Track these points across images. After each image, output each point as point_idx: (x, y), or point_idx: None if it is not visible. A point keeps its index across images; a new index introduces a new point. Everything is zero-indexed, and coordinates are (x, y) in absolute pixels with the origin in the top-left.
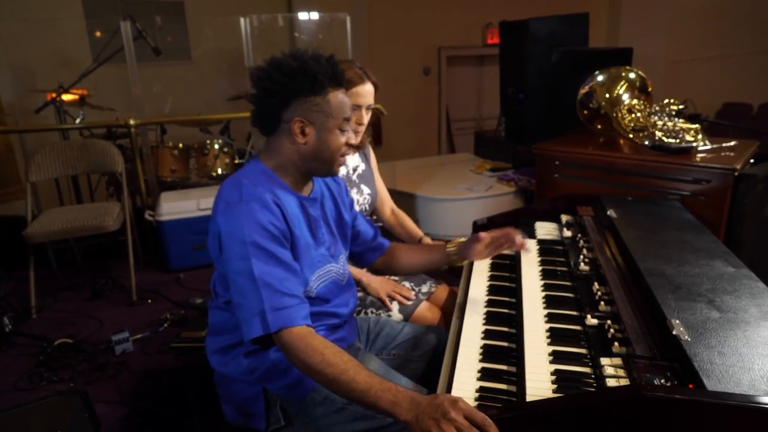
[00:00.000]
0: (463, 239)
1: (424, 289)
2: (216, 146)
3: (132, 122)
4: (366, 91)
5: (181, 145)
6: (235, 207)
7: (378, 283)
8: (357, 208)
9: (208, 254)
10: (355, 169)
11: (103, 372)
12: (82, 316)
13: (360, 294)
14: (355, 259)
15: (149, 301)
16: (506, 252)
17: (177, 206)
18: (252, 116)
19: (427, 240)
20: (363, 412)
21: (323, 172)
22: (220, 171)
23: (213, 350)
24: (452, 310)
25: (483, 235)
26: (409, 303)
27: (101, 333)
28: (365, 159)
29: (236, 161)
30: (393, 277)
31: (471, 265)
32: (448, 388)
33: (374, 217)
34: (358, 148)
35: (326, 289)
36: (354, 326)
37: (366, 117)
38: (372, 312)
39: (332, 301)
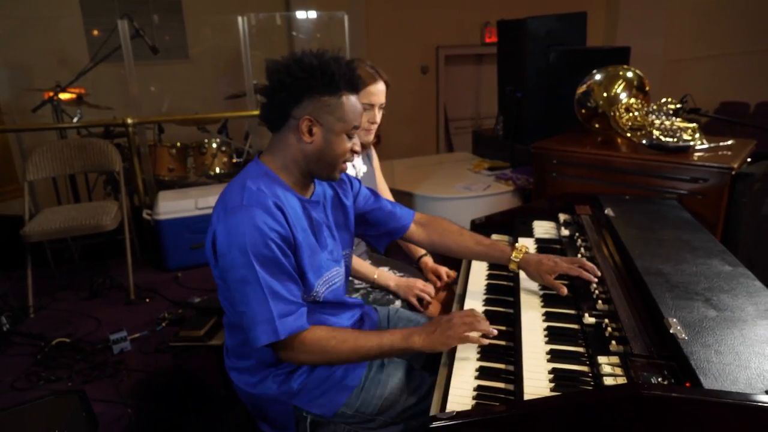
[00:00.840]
0: (525, 248)
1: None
2: (214, 145)
3: (129, 121)
4: (378, 90)
5: (178, 144)
6: (235, 212)
7: (407, 286)
8: None
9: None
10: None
11: (101, 371)
12: (79, 316)
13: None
14: (371, 242)
15: (147, 300)
16: None
17: (175, 205)
18: (261, 109)
19: (428, 260)
20: (391, 420)
21: (324, 175)
22: (218, 170)
23: (237, 371)
24: (450, 304)
25: (557, 268)
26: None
27: (99, 332)
28: (368, 161)
29: (234, 160)
30: (397, 272)
31: (469, 264)
32: (446, 386)
33: None
34: (365, 147)
35: (333, 295)
36: (374, 318)
37: (378, 115)
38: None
39: (338, 309)
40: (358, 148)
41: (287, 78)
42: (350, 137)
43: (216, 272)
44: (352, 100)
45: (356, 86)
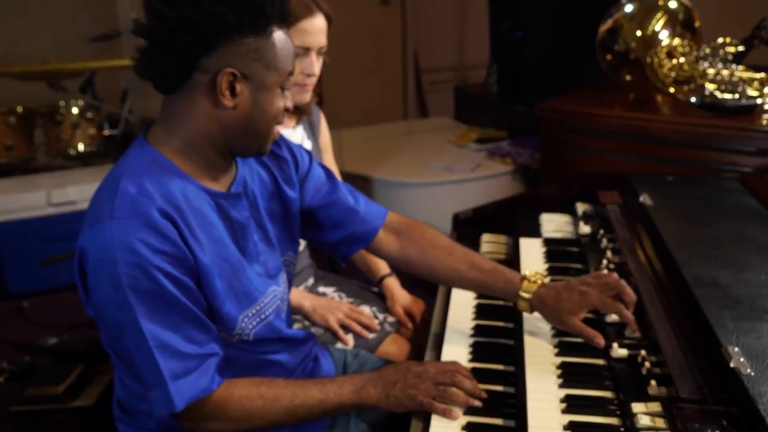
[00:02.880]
0: (540, 277)
1: (391, 318)
2: (75, 110)
3: None
4: (316, 28)
5: (20, 109)
6: (103, 228)
7: (325, 308)
8: None
9: (67, 272)
10: None
11: None
12: None
13: (299, 325)
14: (328, 251)
15: None
16: (502, 258)
17: (16, 200)
18: (142, 60)
19: (393, 281)
20: None
21: (251, 150)
22: (81, 147)
23: (131, 425)
24: (424, 341)
25: (583, 302)
26: (372, 336)
27: None
28: (312, 132)
29: (106, 132)
30: (347, 299)
31: None
32: None
33: None
34: (301, 113)
35: (268, 329)
36: (326, 364)
37: (317, 65)
38: None
39: (278, 346)
40: (290, 103)
41: (195, 15)
42: (283, 90)
43: (90, 310)
44: (282, 37)
45: (287, 15)
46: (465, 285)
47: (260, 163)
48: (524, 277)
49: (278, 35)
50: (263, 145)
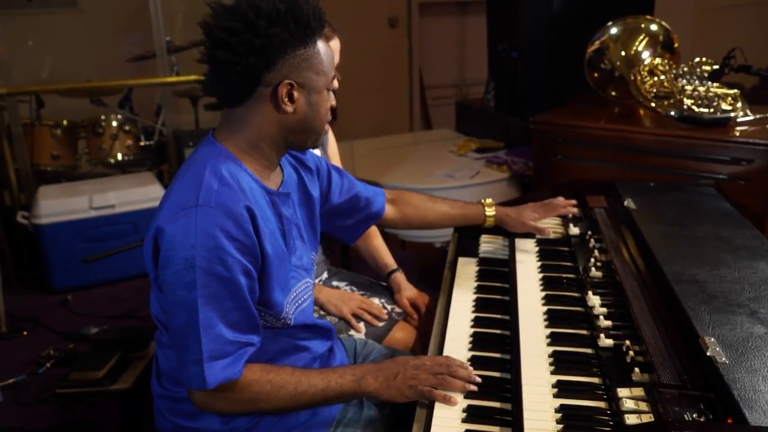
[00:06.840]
0: (491, 201)
1: (398, 309)
2: (114, 123)
3: None
4: (337, 48)
5: (65, 122)
6: (188, 213)
7: (339, 299)
8: None
9: (106, 269)
10: None
11: None
12: None
13: (315, 315)
14: (344, 234)
15: (24, 333)
16: (499, 256)
17: (61, 204)
18: (210, 84)
19: (400, 275)
20: None
21: (308, 144)
22: (120, 156)
23: (169, 399)
24: (429, 330)
25: (534, 213)
26: (381, 324)
27: None
28: (321, 145)
29: (142, 143)
30: (359, 292)
31: (453, 274)
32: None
33: None
34: None
35: (305, 316)
36: (342, 350)
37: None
38: None
39: (309, 333)
40: (334, 102)
41: (255, 39)
42: (329, 91)
43: (155, 287)
44: (324, 45)
45: (324, 24)
46: (451, 221)
47: (293, 168)
48: (482, 203)
49: (321, 44)
50: (318, 139)
